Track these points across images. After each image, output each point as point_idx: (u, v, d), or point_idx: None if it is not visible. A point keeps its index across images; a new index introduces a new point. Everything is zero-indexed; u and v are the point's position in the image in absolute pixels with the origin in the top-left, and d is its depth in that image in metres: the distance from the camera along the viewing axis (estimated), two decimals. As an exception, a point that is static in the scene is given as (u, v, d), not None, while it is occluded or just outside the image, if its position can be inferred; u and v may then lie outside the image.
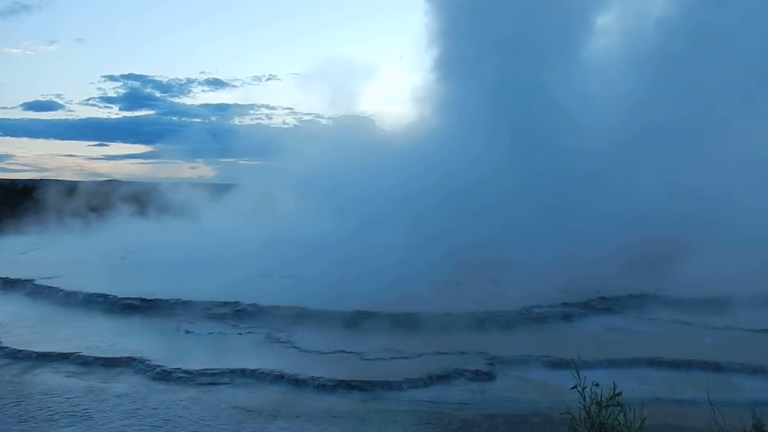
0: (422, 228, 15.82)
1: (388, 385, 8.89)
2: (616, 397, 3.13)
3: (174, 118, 64.14)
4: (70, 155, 75.18)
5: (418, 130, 22.30)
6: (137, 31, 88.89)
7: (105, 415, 7.96)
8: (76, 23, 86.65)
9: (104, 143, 79.60)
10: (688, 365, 9.69)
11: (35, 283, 14.94)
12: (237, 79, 79.08)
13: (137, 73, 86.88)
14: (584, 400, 3.17)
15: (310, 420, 7.90)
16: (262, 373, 9.33)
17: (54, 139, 75.10)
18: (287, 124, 52.71)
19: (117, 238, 21.49)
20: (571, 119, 19.13)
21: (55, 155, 75.56)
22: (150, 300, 13.03)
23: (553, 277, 13.72)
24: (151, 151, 61.97)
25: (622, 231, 15.82)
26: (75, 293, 13.76)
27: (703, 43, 18.77)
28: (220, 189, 27.75)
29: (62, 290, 14.04)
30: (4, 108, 74.27)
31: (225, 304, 12.63)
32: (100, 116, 74.22)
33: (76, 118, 72.48)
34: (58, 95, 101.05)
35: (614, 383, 3.15)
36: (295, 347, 10.61)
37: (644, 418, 3.09)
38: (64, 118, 74.79)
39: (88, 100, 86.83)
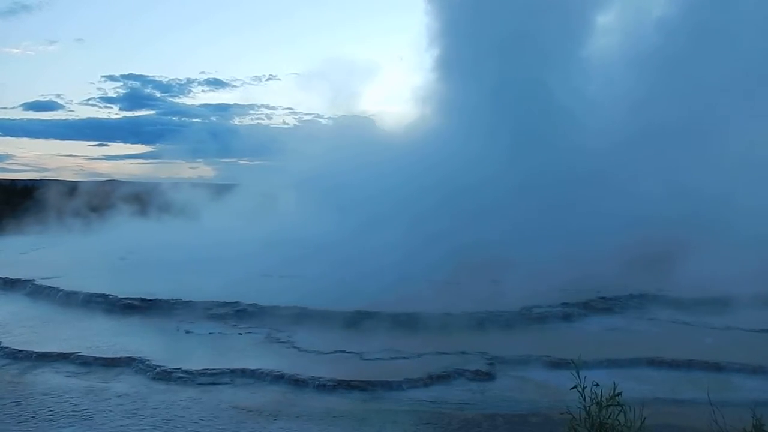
0: (422, 228, 15.82)
1: (388, 385, 8.90)
2: (616, 397, 3.13)
3: (174, 118, 64.23)
4: (70, 155, 75.26)
5: (419, 130, 22.30)
6: (137, 31, 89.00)
7: (105, 415, 7.96)
8: (76, 23, 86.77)
9: (104, 143, 79.73)
10: (688, 365, 9.69)
11: (35, 283, 14.95)
12: (237, 79, 79.19)
13: (137, 73, 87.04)
14: (584, 400, 3.17)
15: (311, 420, 7.90)
16: (262, 373, 9.33)
17: (54, 139, 75.20)
18: (287, 124, 52.75)
19: (117, 238, 21.49)
20: (571, 119, 19.13)
21: (55, 155, 75.66)
22: (150, 300, 13.03)
23: (554, 277, 13.72)
24: (151, 151, 62.06)
25: (623, 231, 15.83)
26: (75, 293, 13.77)
27: (703, 43, 18.78)
28: (220, 189, 27.76)
29: (62, 290, 14.05)
30: (4, 108, 74.39)
31: (225, 304, 12.64)
32: (100, 116, 74.31)
33: (76, 118, 72.58)
34: (58, 95, 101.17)
35: (614, 383, 3.15)
36: (295, 347, 10.61)
37: (644, 418, 3.09)
38: (64, 118, 74.90)
39: (88, 100, 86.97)
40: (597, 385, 3.21)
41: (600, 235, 15.72)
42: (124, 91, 71.67)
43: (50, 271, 15.99)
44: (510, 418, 7.96)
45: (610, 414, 3.12)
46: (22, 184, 40.00)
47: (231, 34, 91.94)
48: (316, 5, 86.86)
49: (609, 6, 21.86)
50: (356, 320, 11.65)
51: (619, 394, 3.13)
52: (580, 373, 3.15)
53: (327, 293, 12.66)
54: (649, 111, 18.93)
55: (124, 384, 9.15)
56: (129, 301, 13.04)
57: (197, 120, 61.61)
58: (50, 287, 14.43)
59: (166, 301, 12.91)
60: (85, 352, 10.26)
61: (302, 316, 11.94)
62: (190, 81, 75.70)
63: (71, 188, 29.63)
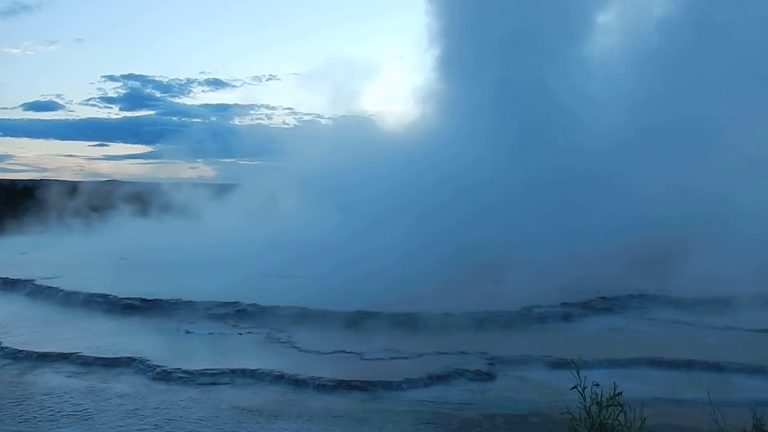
0: (423, 228, 15.83)
1: (388, 385, 8.90)
2: (617, 397, 3.12)
3: (174, 119, 64.27)
4: (71, 155, 75.33)
5: (419, 130, 22.31)
6: (137, 31, 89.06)
7: (106, 415, 7.96)
8: (76, 23, 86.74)
9: (104, 143, 79.81)
10: (689, 365, 9.69)
11: (35, 283, 14.95)
12: (237, 79, 79.19)
13: (137, 73, 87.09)
14: (584, 400, 3.17)
15: (311, 420, 7.91)
16: (262, 373, 9.34)
17: (54, 140, 75.30)
18: (287, 124, 52.67)
19: (117, 238, 21.51)
20: (572, 119, 19.15)
21: (56, 155, 75.74)
22: (150, 300, 13.04)
23: (554, 277, 13.72)
24: (152, 152, 62.05)
25: (623, 231, 15.83)
26: (75, 293, 13.77)
27: (704, 43, 18.79)
28: (220, 189, 27.77)
29: (62, 290, 14.05)
30: (4, 108, 74.41)
31: (225, 304, 12.64)
32: (100, 116, 74.35)
33: (77, 118, 72.61)
34: (58, 95, 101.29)
35: (614, 383, 3.15)
36: (295, 347, 10.61)
37: (644, 418, 3.08)
38: (64, 118, 74.91)
39: (89, 100, 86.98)
40: (597, 385, 3.20)
41: (600, 235, 15.72)
42: (124, 91, 71.80)
43: (50, 271, 16.00)
44: (510, 418, 7.96)
45: (611, 414, 3.12)
46: (22, 184, 40.01)
47: (231, 34, 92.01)
48: (316, 5, 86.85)
49: (610, 6, 21.91)
50: (357, 320, 11.65)
51: (620, 394, 3.13)
52: (580, 373, 3.15)
53: (327, 293, 12.66)
54: (649, 111, 18.95)
55: (125, 384, 9.15)
56: (129, 301, 13.04)
57: (197, 120, 61.71)
58: (50, 287, 14.43)
59: (167, 301, 12.92)
60: (86, 352, 10.26)
61: (302, 316, 11.94)
62: (190, 81, 75.78)
63: (71, 188, 29.65)
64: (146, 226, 24.35)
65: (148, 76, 77.89)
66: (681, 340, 11.02)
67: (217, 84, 73.65)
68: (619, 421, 3.10)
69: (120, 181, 37.42)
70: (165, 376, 9.31)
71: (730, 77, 18.27)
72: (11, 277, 15.74)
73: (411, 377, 9.09)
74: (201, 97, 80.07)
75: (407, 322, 11.53)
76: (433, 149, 19.53)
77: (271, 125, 50.28)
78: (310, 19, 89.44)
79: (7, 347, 10.58)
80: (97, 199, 28.18)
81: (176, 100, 74.48)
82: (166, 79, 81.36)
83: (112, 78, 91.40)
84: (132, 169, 74.97)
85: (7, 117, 72.74)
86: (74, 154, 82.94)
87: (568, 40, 20.43)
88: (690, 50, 19.01)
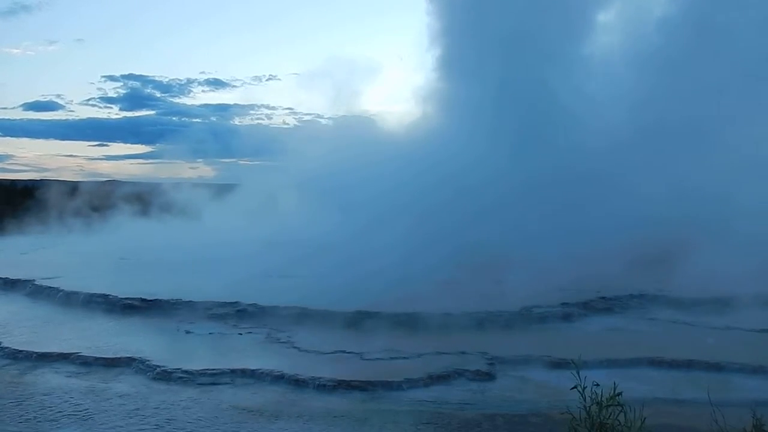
0: (424, 228, 15.83)
1: (388, 385, 8.90)
2: (617, 397, 3.13)
3: (174, 119, 64.30)
4: (71, 155, 75.35)
5: (420, 130, 22.31)
6: (137, 31, 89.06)
7: (106, 415, 7.96)
8: (76, 23, 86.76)
9: (104, 143, 79.89)
10: (689, 365, 9.69)
11: (35, 283, 14.96)
12: (237, 80, 79.20)
13: (137, 73, 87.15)
14: (584, 400, 3.17)
15: (311, 420, 7.91)
16: (262, 373, 9.34)
17: (54, 140, 75.27)
18: (287, 124, 52.67)
19: (117, 238, 21.51)
20: (573, 119, 19.15)
21: (56, 155, 75.76)
22: (150, 300, 13.04)
23: (554, 277, 13.72)
24: (152, 152, 62.03)
25: (623, 230, 15.84)
26: (75, 293, 13.77)
27: (704, 43, 18.79)
28: (220, 189, 27.77)
29: (62, 290, 14.06)
30: (4, 108, 74.41)
31: (225, 304, 12.64)
32: (100, 116, 74.35)
33: (77, 118, 72.62)
34: (58, 95, 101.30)
35: (614, 383, 3.15)
36: (295, 347, 10.61)
37: (644, 418, 3.08)
38: (64, 118, 74.91)
39: (89, 100, 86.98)
40: (597, 385, 3.20)
41: (600, 235, 15.72)
42: (124, 91, 71.82)
43: (50, 271, 16.00)
44: (510, 418, 7.96)
45: (611, 414, 3.12)
46: (22, 184, 40.01)
47: (231, 34, 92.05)
48: (316, 5, 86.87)
49: (610, 6, 21.91)
50: (357, 320, 11.66)
51: (620, 394, 3.13)
52: (580, 373, 3.15)
53: (327, 293, 12.66)
54: (650, 111, 18.95)
55: (125, 384, 9.15)
56: (129, 302, 13.04)
57: (197, 120, 61.73)
58: (50, 287, 14.43)
59: (167, 301, 12.92)
60: (86, 352, 10.26)
61: (303, 316, 11.94)
62: (190, 81, 75.79)
63: (71, 188, 29.65)
64: (146, 226, 24.36)
65: (148, 76, 78.00)
66: (681, 340, 11.02)
67: (217, 84, 73.73)
68: (619, 421, 3.10)
69: (120, 181, 37.45)
70: (165, 376, 9.31)
71: (730, 77, 18.27)
72: (11, 277, 15.75)
73: (411, 377, 9.09)
74: (201, 97, 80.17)
75: (407, 322, 11.53)
76: (434, 149, 19.52)
77: (271, 125, 50.27)
78: (310, 19, 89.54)
79: (7, 347, 10.58)
80: (97, 199, 28.19)
81: (176, 100, 74.60)
82: (166, 79, 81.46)
83: (112, 78, 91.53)
84: (132, 169, 75.05)
85: (7, 117, 72.85)
86: (74, 154, 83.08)
87: (569, 40, 20.44)
88: (690, 50, 19.02)
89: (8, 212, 28.02)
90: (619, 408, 3.11)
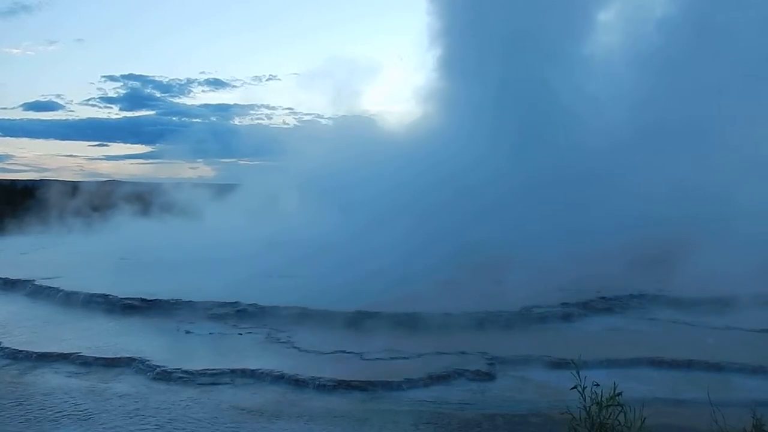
0: (424, 228, 15.83)
1: (388, 385, 8.90)
2: (617, 397, 3.12)
3: (174, 119, 64.35)
4: (71, 155, 75.40)
5: (420, 130, 22.30)
6: (137, 31, 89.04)
7: (106, 415, 7.96)
8: (76, 23, 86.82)
9: (104, 143, 79.97)
10: (689, 365, 9.69)
11: (35, 283, 14.96)
12: (237, 80, 79.29)
13: (137, 73, 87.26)
14: (584, 400, 3.17)
15: (311, 420, 7.91)
16: (262, 373, 9.34)
17: (54, 140, 75.32)
18: (287, 124, 52.71)
19: (117, 238, 21.50)
20: (573, 118, 19.16)
21: (56, 155, 75.81)
22: (150, 300, 13.04)
23: (554, 277, 13.72)
24: (152, 152, 62.12)
25: (624, 230, 15.84)
26: (75, 293, 13.77)
27: (704, 43, 18.79)
28: (220, 189, 27.78)
29: (62, 290, 14.06)
30: (4, 108, 74.47)
31: (225, 304, 12.64)
32: (100, 116, 74.44)
33: (77, 118, 72.67)
34: (58, 95, 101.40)
35: (614, 383, 3.15)
36: (295, 347, 10.61)
37: (644, 418, 3.08)
38: (64, 118, 74.97)
39: (88, 100, 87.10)
40: (597, 385, 3.20)
41: (601, 235, 15.72)
42: (124, 92, 71.90)
43: (50, 272, 16.00)
44: (510, 418, 7.96)
45: (611, 414, 3.12)
46: (22, 184, 40.00)
47: (231, 34, 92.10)
48: (316, 5, 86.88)
49: (610, 5, 21.92)
50: (357, 320, 11.65)
51: (620, 394, 3.13)
52: (580, 373, 3.15)
53: (328, 293, 12.66)
54: (650, 111, 18.96)
55: (125, 384, 9.15)
56: (129, 302, 13.04)
57: (197, 120, 61.79)
58: (50, 287, 14.43)
59: (167, 302, 12.92)
60: (86, 353, 10.27)
61: (303, 316, 11.94)
62: (190, 81, 75.87)
63: (71, 188, 29.66)
64: (146, 226, 24.36)
65: (148, 76, 78.12)
66: (681, 340, 11.02)
67: (217, 84, 73.80)
68: (619, 421, 3.10)
69: (120, 181, 37.46)
70: (165, 376, 9.31)
71: (730, 77, 18.27)
72: (11, 277, 15.75)
73: (411, 377, 9.09)
74: (201, 97, 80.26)
75: (407, 322, 11.52)
76: (434, 149, 19.51)
77: (271, 125, 50.30)
78: (310, 19, 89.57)
79: (7, 347, 10.58)
80: (97, 199, 28.19)
81: (176, 100, 74.66)
82: (166, 79, 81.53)
83: (112, 78, 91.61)
84: (132, 169, 75.05)
85: (7, 117, 72.90)
86: (74, 154, 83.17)
87: (569, 40, 20.45)
88: (690, 50, 19.02)
89: (8, 212, 28.03)
90: (619, 408, 3.10)
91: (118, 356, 10.13)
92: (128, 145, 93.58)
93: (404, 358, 9.99)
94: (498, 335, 11.21)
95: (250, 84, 68.77)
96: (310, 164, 21.82)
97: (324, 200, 19.95)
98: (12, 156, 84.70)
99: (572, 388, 3.20)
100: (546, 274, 13.65)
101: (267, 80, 71.04)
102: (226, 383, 9.13)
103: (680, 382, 9.10)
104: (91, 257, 18.66)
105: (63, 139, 75.73)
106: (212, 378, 9.23)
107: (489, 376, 9.36)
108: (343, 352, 10.31)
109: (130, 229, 23.40)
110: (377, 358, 10.00)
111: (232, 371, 9.40)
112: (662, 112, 18.77)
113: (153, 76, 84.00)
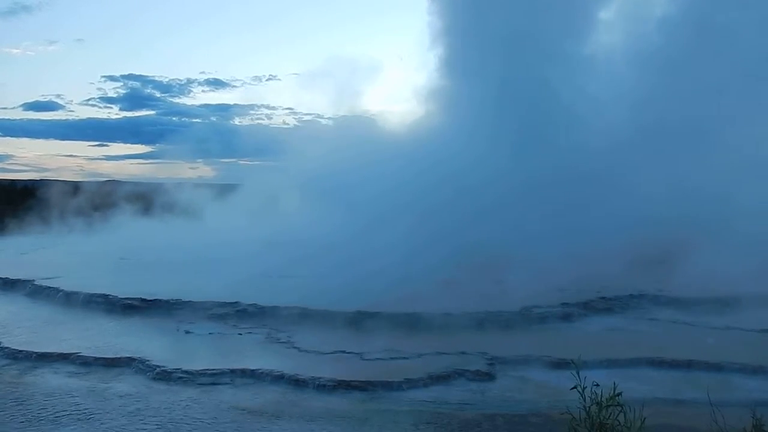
0: (425, 227, 15.81)
1: (388, 386, 8.90)
2: (617, 397, 3.12)
3: (174, 119, 64.39)
4: (71, 155, 75.47)
5: (421, 130, 22.26)
6: (137, 31, 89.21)
7: (106, 415, 7.96)
8: (76, 23, 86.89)
9: (104, 143, 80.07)
10: (689, 365, 9.69)
11: (35, 283, 14.96)
12: (237, 80, 79.37)
13: (137, 73, 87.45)
14: (584, 400, 3.16)
15: (311, 420, 7.91)
16: (262, 373, 9.34)
17: (54, 140, 75.43)
18: (287, 124, 52.74)
19: (117, 238, 21.50)
20: (574, 118, 19.13)
21: (56, 155, 75.88)
22: (150, 300, 13.04)
23: (554, 277, 13.72)
24: (152, 152, 62.17)
25: (623, 231, 15.82)
26: (75, 293, 13.77)
27: (705, 43, 18.78)
28: (220, 189, 27.78)
29: (62, 290, 14.06)
30: (4, 108, 74.55)
31: (225, 304, 12.64)
32: (100, 116, 74.55)
33: (77, 118, 72.74)
34: (58, 95, 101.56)
35: (614, 383, 3.14)
36: (295, 347, 10.61)
37: (644, 418, 3.08)
38: (64, 118, 75.04)
39: (89, 100, 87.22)
40: (597, 385, 3.20)
41: (601, 235, 15.71)
42: (124, 92, 71.99)
43: (50, 271, 16.00)
44: (510, 418, 7.97)
45: (610, 414, 3.11)
46: (22, 184, 40.02)
47: (231, 34, 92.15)
48: (316, 5, 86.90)
49: (611, 5, 21.90)
50: (357, 320, 11.65)
51: (619, 394, 3.12)
52: (580, 373, 3.14)
53: (328, 293, 12.66)
54: (650, 111, 18.94)
55: (125, 384, 9.16)
56: (129, 302, 13.04)
57: (197, 120, 61.85)
58: (50, 287, 14.43)
59: (167, 302, 12.92)
60: (86, 353, 10.27)
61: (303, 316, 11.94)
62: (190, 81, 75.98)
63: (72, 188, 29.66)
64: (146, 226, 24.36)
65: (148, 76, 78.26)
66: (681, 340, 11.02)
67: (217, 84, 73.85)
68: (619, 421, 3.09)
69: (120, 181, 37.47)
70: (165, 376, 9.31)
71: (730, 77, 18.26)
72: (11, 277, 15.75)
73: (411, 377, 9.09)
74: (201, 97, 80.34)
75: (407, 322, 11.53)
76: (434, 148, 19.49)
77: (272, 125, 50.31)
78: (310, 19, 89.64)
79: (7, 347, 10.58)
80: (97, 199, 28.20)
81: (176, 100, 74.70)
82: (166, 79, 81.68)
83: (112, 78, 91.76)
84: (132, 169, 75.07)
85: (7, 117, 72.97)
86: (74, 154, 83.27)
87: (570, 40, 20.40)
88: (690, 50, 19.00)
89: (8, 212, 28.02)
90: (619, 408, 3.10)
91: (118, 356, 10.13)
92: (128, 145, 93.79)
93: (404, 358, 9.99)
94: (498, 335, 11.21)
95: (250, 84, 68.88)
96: (310, 164, 21.81)
97: (324, 200, 19.94)
98: (12, 156, 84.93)
99: (572, 388, 3.20)
100: (546, 274, 13.65)
101: (267, 80, 71.14)
102: (226, 383, 9.13)
103: (680, 382, 9.11)
104: (91, 257, 18.67)
105: (63, 139, 75.94)
106: (212, 378, 9.23)
107: (489, 376, 9.37)
108: (343, 352, 10.31)
109: (130, 229, 23.40)
110: (377, 358, 10.00)
111: (232, 371, 9.41)
112: (662, 111, 18.76)
113: (153, 76, 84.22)
